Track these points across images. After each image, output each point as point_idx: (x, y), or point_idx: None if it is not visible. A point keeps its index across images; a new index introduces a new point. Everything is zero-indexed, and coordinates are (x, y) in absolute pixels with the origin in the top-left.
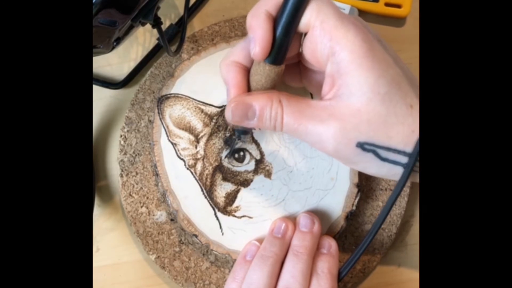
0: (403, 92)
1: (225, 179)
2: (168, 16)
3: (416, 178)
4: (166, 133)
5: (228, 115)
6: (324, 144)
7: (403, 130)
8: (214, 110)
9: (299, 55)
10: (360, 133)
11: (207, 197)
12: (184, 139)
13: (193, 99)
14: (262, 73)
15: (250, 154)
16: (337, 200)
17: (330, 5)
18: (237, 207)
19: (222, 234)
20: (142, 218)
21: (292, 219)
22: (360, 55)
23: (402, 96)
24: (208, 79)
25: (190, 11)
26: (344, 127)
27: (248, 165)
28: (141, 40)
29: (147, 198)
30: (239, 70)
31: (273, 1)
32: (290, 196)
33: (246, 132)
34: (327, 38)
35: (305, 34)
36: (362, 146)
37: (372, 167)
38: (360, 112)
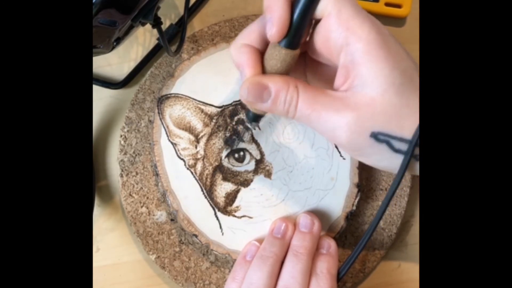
0: (415, 84)
1: (225, 179)
2: (168, 16)
3: (417, 169)
4: (166, 133)
5: (243, 93)
6: (337, 133)
7: (416, 122)
8: (214, 110)
9: (306, 45)
10: (374, 123)
11: (207, 197)
12: (184, 139)
13: (193, 99)
14: (278, 57)
15: (250, 154)
16: (337, 200)
17: None
18: (237, 207)
19: (222, 234)
20: (142, 218)
21: (292, 219)
22: (375, 46)
23: (414, 88)
24: (208, 79)
25: (190, 11)
26: (358, 117)
27: (248, 165)
28: (141, 40)
29: (147, 198)
30: (252, 51)
31: None
32: (290, 196)
33: (256, 118)
34: (343, 28)
35: (316, 22)
36: (376, 136)
37: (385, 159)
38: (375, 102)
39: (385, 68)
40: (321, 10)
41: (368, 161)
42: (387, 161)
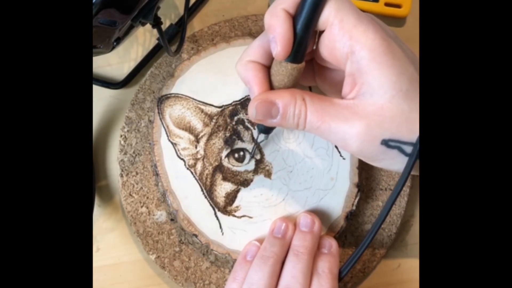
0: None
1: (225, 179)
2: (168, 16)
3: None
4: (166, 133)
5: (251, 113)
6: (348, 142)
7: None
8: (214, 110)
9: (313, 53)
10: (384, 130)
11: (207, 197)
12: (184, 139)
13: (193, 99)
14: (284, 72)
15: (250, 153)
16: (337, 200)
17: (348, 3)
18: (237, 207)
19: (222, 234)
20: (142, 218)
21: (292, 219)
22: (380, 53)
23: None
24: (208, 79)
25: (190, 11)
26: (368, 125)
27: (248, 165)
28: (141, 40)
29: (147, 198)
30: (258, 68)
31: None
32: (290, 196)
33: (267, 130)
34: (347, 37)
35: (320, 32)
36: (386, 143)
37: (397, 163)
38: (384, 109)
39: (391, 75)
40: (323, 21)
41: (381, 165)
42: (400, 165)
